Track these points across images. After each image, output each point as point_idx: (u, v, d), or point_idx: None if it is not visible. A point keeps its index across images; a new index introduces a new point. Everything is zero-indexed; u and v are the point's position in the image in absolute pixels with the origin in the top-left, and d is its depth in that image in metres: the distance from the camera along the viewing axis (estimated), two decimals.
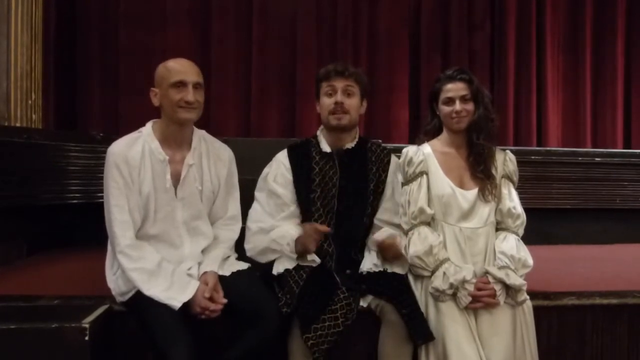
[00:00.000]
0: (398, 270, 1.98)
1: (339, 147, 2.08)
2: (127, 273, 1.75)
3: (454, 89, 1.99)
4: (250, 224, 2.07)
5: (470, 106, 1.99)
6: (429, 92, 2.12)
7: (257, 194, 2.12)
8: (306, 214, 2.04)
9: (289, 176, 2.06)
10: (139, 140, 1.86)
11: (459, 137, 2.05)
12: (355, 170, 2.08)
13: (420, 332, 1.80)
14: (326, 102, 2.05)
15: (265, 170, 2.13)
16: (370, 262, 2.00)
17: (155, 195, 1.85)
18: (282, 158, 2.11)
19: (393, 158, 2.15)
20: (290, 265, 1.95)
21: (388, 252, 1.96)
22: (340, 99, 2.01)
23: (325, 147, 2.08)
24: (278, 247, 1.96)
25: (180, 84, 1.82)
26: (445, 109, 2.01)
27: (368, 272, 1.97)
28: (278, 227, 2.00)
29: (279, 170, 2.08)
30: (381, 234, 2.00)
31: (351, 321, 1.80)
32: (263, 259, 2.03)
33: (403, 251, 1.95)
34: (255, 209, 2.09)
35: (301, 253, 1.95)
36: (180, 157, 1.91)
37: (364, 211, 2.07)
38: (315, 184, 2.04)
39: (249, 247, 2.05)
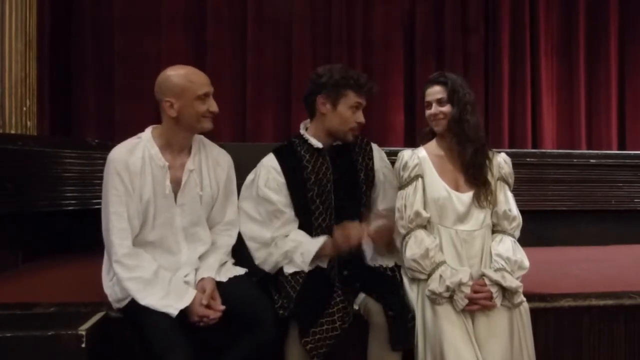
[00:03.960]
0: (388, 262, 2.02)
1: (329, 144, 2.07)
2: (123, 283, 1.75)
3: (431, 92, 2.04)
4: (248, 242, 2.02)
5: (446, 108, 2.01)
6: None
7: (242, 203, 2.05)
8: (306, 214, 2.01)
9: (281, 179, 2.01)
10: (139, 146, 1.86)
11: (445, 140, 2.06)
12: (344, 163, 2.08)
13: (399, 338, 1.81)
14: (349, 116, 2.01)
15: (250, 177, 2.08)
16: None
17: (155, 202, 1.85)
18: (270, 162, 2.04)
19: (373, 145, 2.17)
20: (297, 269, 1.94)
21: (378, 241, 1.97)
22: (364, 120, 2.04)
23: (317, 144, 2.04)
24: (289, 259, 1.94)
25: (205, 96, 1.86)
26: (426, 112, 2.07)
27: (362, 271, 1.97)
28: (283, 238, 1.98)
29: (269, 175, 2.02)
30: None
31: (348, 324, 1.80)
32: (273, 270, 1.99)
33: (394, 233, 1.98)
34: (245, 223, 2.03)
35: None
36: (180, 163, 1.91)
37: (360, 202, 2.07)
38: (311, 182, 2.01)
39: (259, 262, 2.01)
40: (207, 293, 1.78)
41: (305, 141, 2.06)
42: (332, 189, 2.03)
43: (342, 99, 2.00)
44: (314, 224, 2.00)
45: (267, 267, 2.00)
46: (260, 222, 2.00)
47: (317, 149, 2.04)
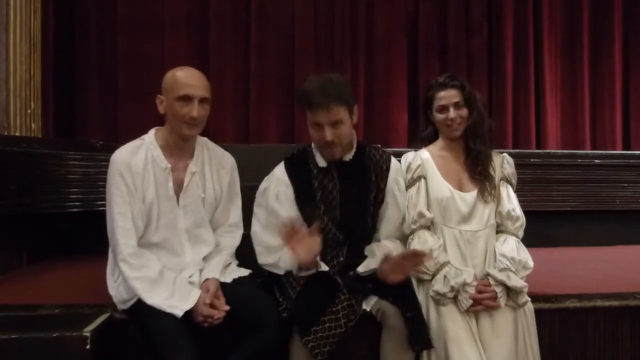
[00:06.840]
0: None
1: (336, 161, 2.00)
2: (129, 282, 1.75)
3: (447, 96, 2.00)
4: (256, 246, 2.02)
5: (464, 112, 2.00)
6: (422, 99, 2.12)
7: (256, 209, 2.06)
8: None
9: (290, 192, 1.99)
10: (142, 148, 1.86)
11: (455, 143, 2.06)
12: (354, 182, 2.01)
13: (420, 338, 1.79)
14: (315, 135, 1.93)
15: (263, 185, 2.06)
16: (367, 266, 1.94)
17: (158, 203, 1.85)
18: (280, 174, 2.03)
19: (393, 163, 2.08)
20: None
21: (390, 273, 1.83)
22: (330, 138, 1.87)
23: (321, 162, 2.00)
24: (279, 270, 1.95)
25: (187, 98, 1.81)
26: (439, 116, 2.02)
27: (371, 273, 1.94)
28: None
29: (279, 187, 2.00)
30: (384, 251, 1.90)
31: (354, 322, 1.80)
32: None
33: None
34: (255, 227, 2.04)
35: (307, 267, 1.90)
36: (183, 165, 1.91)
37: (367, 221, 2.02)
38: (318, 199, 1.98)
39: (261, 263, 2.01)
40: (210, 292, 1.78)
41: (314, 156, 2.03)
42: (337, 207, 1.99)
43: (308, 118, 1.94)
44: (324, 240, 1.91)
45: (268, 268, 2.01)
46: (269, 230, 1.98)
47: (323, 167, 2.01)
